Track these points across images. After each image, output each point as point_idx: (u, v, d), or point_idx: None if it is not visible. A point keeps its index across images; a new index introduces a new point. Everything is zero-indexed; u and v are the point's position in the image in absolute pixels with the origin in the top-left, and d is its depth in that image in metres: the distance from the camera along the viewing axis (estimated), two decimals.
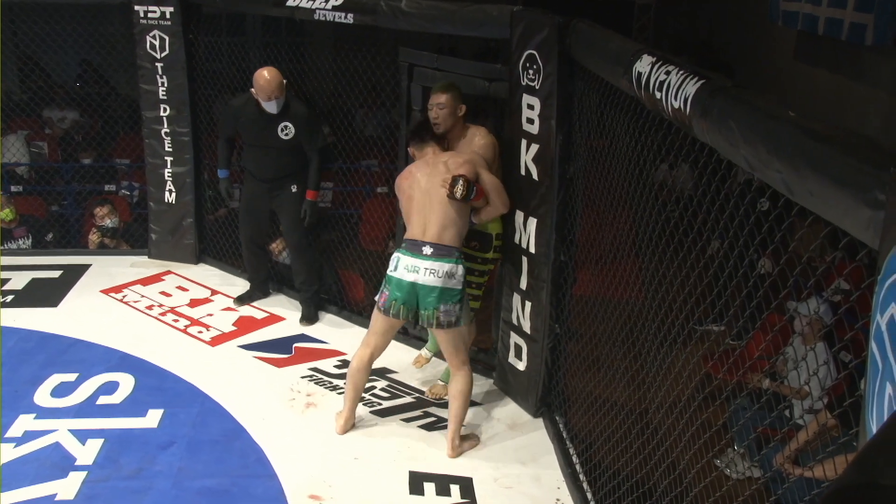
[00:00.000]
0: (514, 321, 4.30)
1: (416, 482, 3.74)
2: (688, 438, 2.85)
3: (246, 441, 4.00)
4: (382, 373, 4.62)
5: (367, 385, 4.25)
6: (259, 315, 5.38)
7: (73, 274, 5.87)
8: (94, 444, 3.90)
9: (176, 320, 5.25)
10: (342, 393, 4.41)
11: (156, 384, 4.48)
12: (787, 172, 1.84)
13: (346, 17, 4.74)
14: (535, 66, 3.86)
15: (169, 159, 5.92)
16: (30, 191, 7.01)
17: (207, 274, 5.98)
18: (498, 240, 4.22)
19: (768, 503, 2.71)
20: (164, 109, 5.81)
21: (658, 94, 2.62)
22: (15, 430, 3.99)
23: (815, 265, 2.23)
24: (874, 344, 1.47)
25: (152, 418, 4.14)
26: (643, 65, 2.79)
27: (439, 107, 4.10)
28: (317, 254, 5.43)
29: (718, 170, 2.44)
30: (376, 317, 3.94)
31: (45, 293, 5.56)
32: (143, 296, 5.58)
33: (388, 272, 3.85)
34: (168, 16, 5.63)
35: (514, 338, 4.33)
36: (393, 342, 4.77)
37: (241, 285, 5.68)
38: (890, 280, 1.43)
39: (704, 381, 3.26)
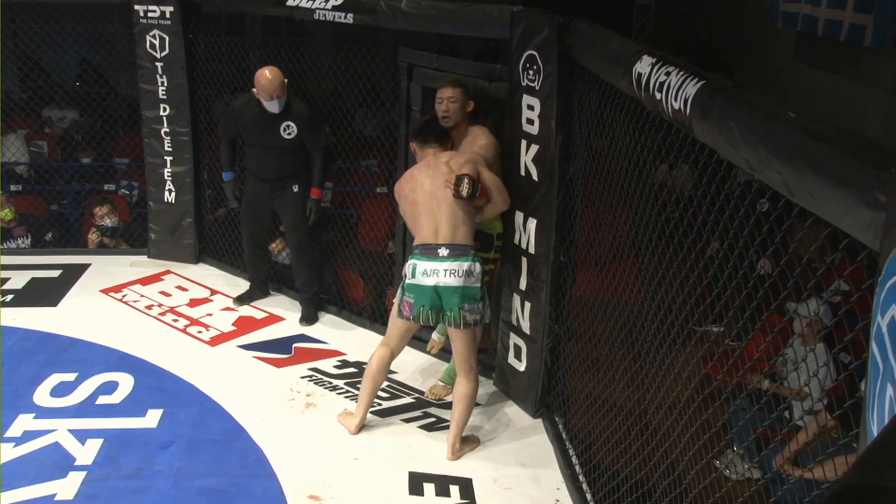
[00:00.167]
0: (514, 322, 4.30)
1: (416, 483, 3.74)
2: (687, 439, 2.85)
3: (245, 441, 4.00)
4: None
5: (381, 386, 4.24)
6: (259, 315, 5.38)
7: (72, 273, 5.87)
8: (94, 444, 3.90)
9: (175, 320, 5.25)
10: (342, 393, 4.41)
11: (155, 384, 4.48)
12: (788, 173, 1.84)
13: (345, 17, 4.74)
14: (535, 67, 3.86)
15: (168, 159, 5.92)
16: (29, 190, 7.01)
17: (207, 274, 5.98)
18: (499, 240, 4.22)
19: None
20: (164, 109, 5.81)
21: (658, 95, 2.62)
22: (14, 429, 3.99)
23: (815, 266, 2.23)
24: (875, 345, 1.47)
25: (152, 418, 4.14)
26: (643, 65, 2.79)
27: (450, 100, 4.11)
28: (317, 254, 5.42)
29: (718, 170, 2.44)
30: (397, 323, 3.94)
31: (45, 293, 5.56)
32: (142, 295, 5.58)
33: (405, 281, 3.81)
34: (168, 15, 5.63)
35: (514, 338, 4.33)
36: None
37: (241, 285, 5.68)
38: (891, 281, 1.43)
39: (704, 381, 3.26)
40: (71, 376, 4.49)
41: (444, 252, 3.74)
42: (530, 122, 3.94)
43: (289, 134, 4.90)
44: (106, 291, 5.63)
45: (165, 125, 5.85)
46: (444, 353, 4.49)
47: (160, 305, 5.44)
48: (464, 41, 6.57)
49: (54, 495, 3.53)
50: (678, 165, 3.26)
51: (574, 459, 3.88)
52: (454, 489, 3.72)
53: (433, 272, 3.73)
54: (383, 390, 4.48)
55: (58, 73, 7.64)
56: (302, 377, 4.62)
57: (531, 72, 3.88)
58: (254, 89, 4.83)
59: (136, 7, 5.65)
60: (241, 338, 5.06)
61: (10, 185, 6.78)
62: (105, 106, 6.78)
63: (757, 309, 2.46)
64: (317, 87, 5.63)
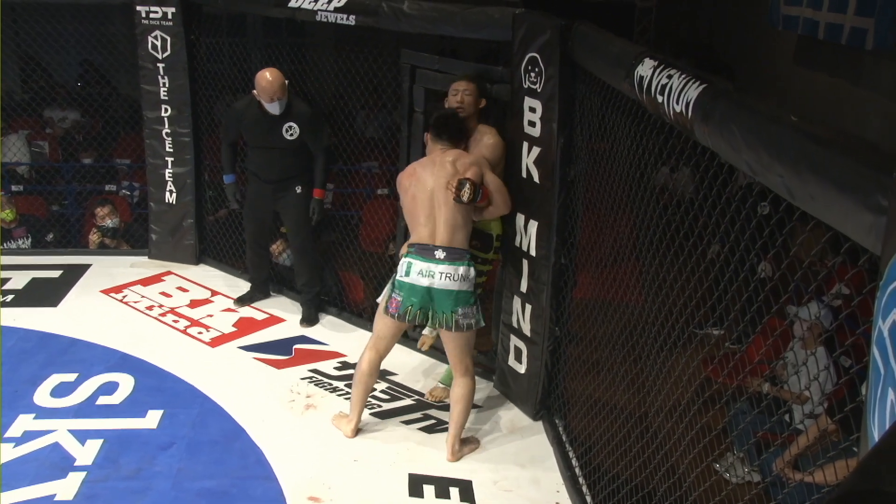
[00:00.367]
0: (514, 324, 4.30)
1: (416, 484, 3.74)
2: (687, 442, 2.85)
3: (245, 442, 4.00)
4: (382, 375, 4.60)
5: (372, 388, 4.24)
6: (259, 316, 5.38)
7: (73, 274, 5.87)
8: (94, 445, 3.89)
9: (176, 321, 5.25)
10: (342, 394, 4.41)
11: (155, 385, 4.48)
12: (789, 176, 1.84)
13: (347, 19, 4.75)
14: (536, 69, 3.86)
15: (170, 160, 5.92)
16: (30, 190, 7.01)
17: (207, 275, 5.98)
18: (498, 240, 4.22)
19: None
20: (166, 110, 5.81)
21: (660, 98, 2.62)
22: (14, 429, 3.99)
23: (816, 270, 2.23)
24: (876, 349, 1.47)
25: (152, 419, 4.14)
26: (645, 68, 2.80)
27: (465, 92, 4.13)
28: (318, 256, 5.43)
29: (719, 174, 2.45)
30: (384, 321, 3.91)
31: (45, 293, 5.56)
32: (143, 296, 5.58)
33: (398, 277, 3.81)
34: (170, 16, 5.63)
35: (514, 340, 4.33)
36: (397, 345, 4.79)
37: (242, 286, 5.68)
38: (892, 286, 1.43)
39: (704, 384, 3.25)
40: (71, 377, 4.49)
41: (440, 255, 3.74)
42: (532, 124, 3.94)
43: (291, 135, 4.91)
44: (106, 292, 5.63)
45: (167, 126, 5.85)
46: (443, 354, 4.48)
47: (161, 306, 5.44)
48: (465, 43, 6.58)
49: (54, 496, 3.53)
50: (679, 168, 3.27)
51: (574, 462, 3.88)
52: (454, 491, 3.72)
53: (429, 273, 3.72)
54: (383, 392, 4.48)
55: (59, 74, 7.64)
56: (302, 378, 4.62)
57: (533, 74, 3.88)
58: (255, 91, 4.84)
59: (138, 8, 5.65)
60: (242, 339, 5.06)
61: (12, 185, 6.78)
62: (106, 107, 6.80)
63: (758, 312, 2.46)
64: (318, 88, 5.64)
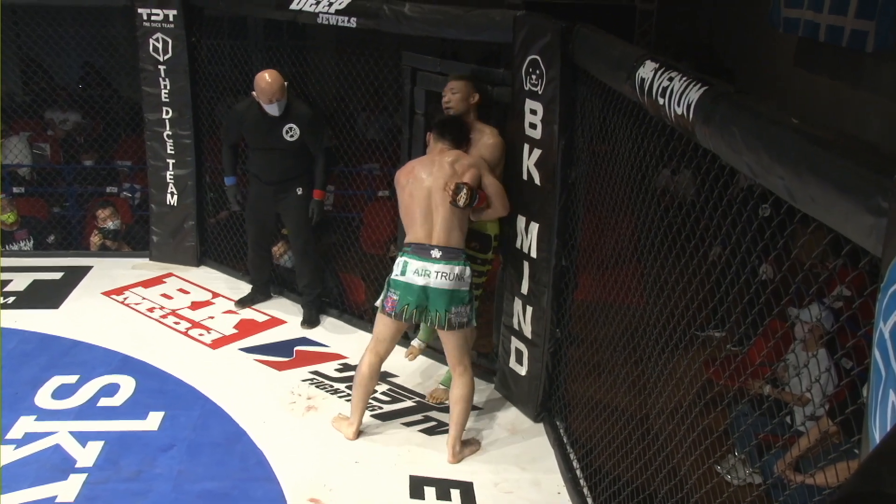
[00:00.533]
0: (515, 326, 4.30)
1: (417, 486, 3.74)
2: (689, 444, 2.85)
3: (246, 444, 4.00)
4: (383, 377, 4.60)
5: (372, 391, 4.24)
6: (260, 318, 5.38)
7: (74, 276, 5.87)
8: (95, 447, 3.89)
9: (177, 323, 5.25)
10: (343, 396, 4.41)
11: (156, 386, 4.48)
12: (790, 179, 1.84)
13: (349, 22, 4.75)
14: (537, 71, 3.86)
15: (171, 162, 5.92)
16: (31, 192, 7.01)
17: (209, 276, 5.98)
18: (496, 241, 4.22)
19: None
20: (167, 112, 5.82)
21: (661, 100, 2.62)
22: (15, 431, 3.99)
23: (817, 272, 2.23)
24: (877, 352, 1.47)
25: (153, 421, 4.14)
26: (646, 71, 2.80)
27: (451, 91, 4.14)
28: (319, 257, 5.43)
29: (720, 176, 2.45)
30: (383, 322, 3.92)
31: (47, 295, 5.57)
32: (144, 298, 5.58)
33: (393, 276, 3.82)
34: (171, 19, 5.64)
35: (515, 342, 4.33)
36: (396, 348, 4.79)
37: (243, 288, 5.68)
38: (893, 288, 1.43)
39: (705, 387, 3.25)
40: (72, 378, 4.49)
41: (436, 254, 3.75)
42: (533, 126, 3.94)
43: (291, 136, 4.91)
44: (108, 294, 5.63)
45: (168, 128, 5.86)
46: (443, 355, 4.48)
47: (162, 308, 5.44)
48: (467, 45, 6.58)
49: (55, 497, 3.53)
50: (680, 170, 3.27)
51: (575, 464, 3.88)
52: (455, 493, 3.72)
53: (424, 272, 3.74)
54: (384, 394, 4.48)
55: (60, 76, 7.64)
56: (303, 380, 4.62)
57: (534, 76, 3.89)
58: (254, 92, 4.84)
59: (140, 10, 5.66)
60: (243, 341, 5.06)
61: (13, 187, 6.79)
62: (108, 109, 6.79)
63: (759, 314, 2.46)
64: (319, 90, 5.64)
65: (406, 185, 3.89)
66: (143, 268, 6.06)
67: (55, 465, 3.75)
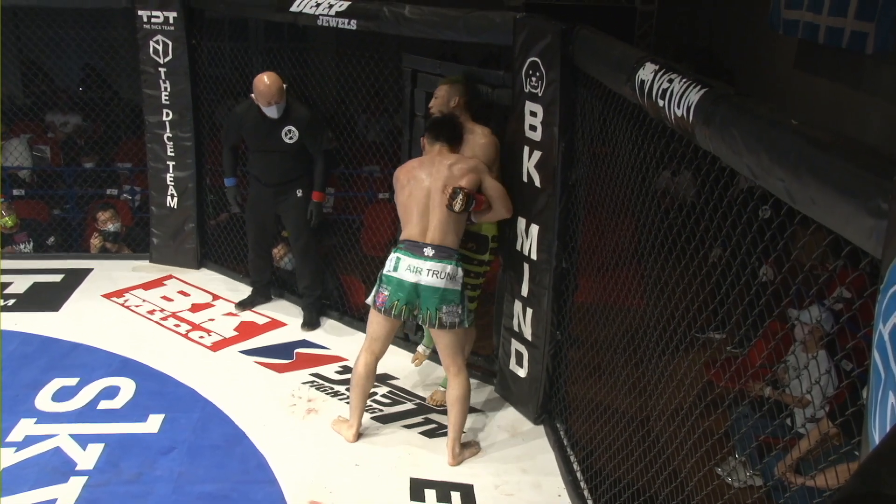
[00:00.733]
0: (516, 328, 4.30)
1: (417, 489, 3.74)
2: (689, 446, 2.84)
3: (246, 446, 4.00)
4: (384, 379, 4.62)
5: (370, 391, 4.25)
6: (260, 320, 5.38)
7: (74, 278, 5.87)
8: (95, 449, 3.89)
9: (177, 325, 5.25)
10: (343, 398, 4.41)
11: (157, 389, 4.48)
12: (790, 180, 1.84)
13: (349, 24, 4.75)
14: (537, 73, 3.86)
15: (171, 164, 5.93)
16: (32, 195, 7.01)
17: (209, 279, 5.98)
18: (494, 242, 4.22)
19: None
20: (167, 114, 5.82)
21: (661, 102, 2.62)
22: (15, 434, 3.98)
23: (817, 273, 2.23)
24: (877, 353, 1.47)
25: (153, 423, 4.14)
26: (646, 72, 2.80)
27: (434, 97, 4.24)
28: (320, 259, 5.43)
29: (721, 177, 2.45)
30: (376, 320, 3.92)
31: (47, 297, 5.57)
32: (144, 300, 5.59)
33: (385, 272, 3.84)
34: (171, 21, 5.64)
35: (515, 344, 4.33)
36: (394, 348, 4.79)
37: (243, 290, 5.69)
38: (892, 289, 1.43)
39: (706, 389, 3.26)
40: (72, 381, 4.49)
41: (429, 252, 3.76)
42: (533, 128, 3.95)
43: (290, 138, 4.91)
44: (108, 296, 5.63)
45: (168, 130, 5.86)
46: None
47: (162, 310, 5.45)
48: (467, 47, 6.59)
49: (55, 500, 3.53)
50: (680, 172, 3.27)
51: (575, 466, 3.88)
52: (455, 495, 3.72)
53: (416, 269, 3.75)
54: (384, 396, 4.48)
55: (61, 78, 7.65)
56: (303, 383, 4.62)
57: (534, 78, 3.89)
58: (253, 94, 4.85)
59: (140, 13, 5.67)
60: (243, 343, 5.06)
61: (13, 189, 6.79)
62: (108, 111, 6.80)
63: (759, 316, 2.46)
64: (320, 92, 5.64)
65: (406, 185, 3.90)
66: (143, 270, 6.06)
67: (55, 467, 3.75)
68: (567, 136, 3.85)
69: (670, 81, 2.59)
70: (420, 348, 4.59)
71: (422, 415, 4.35)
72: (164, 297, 5.65)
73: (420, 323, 3.90)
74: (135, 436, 4.03)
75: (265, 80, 4.77)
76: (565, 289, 4.06)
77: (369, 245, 6.02)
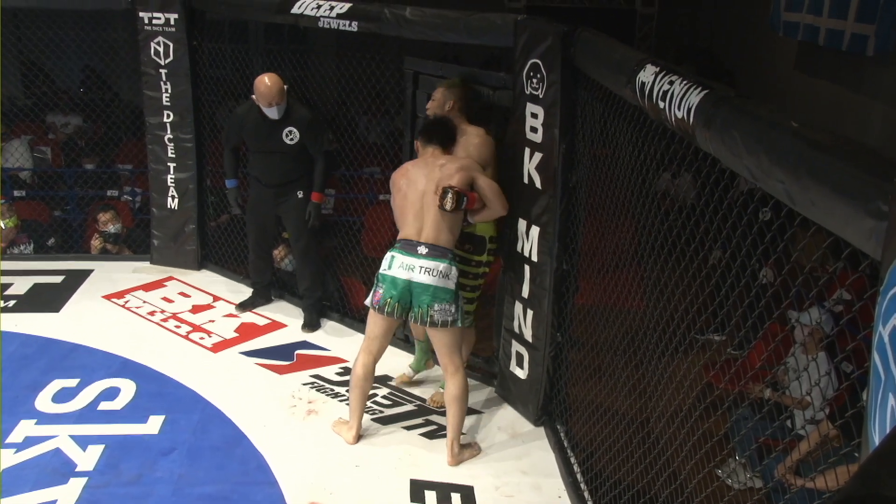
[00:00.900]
0: (516, 329, 4.30)
1: (418, 490, 3.74)
2: (689, 448, 2.84)
3: (247, 448, 4.00)
4: (384, 380, 4.62)
5: (369, 393, 4.25)
6: (261, 322, 5.38)
7: (75, 279, 5.87)
8: (95, 450, 3.89)
9: (178, 326, 5.25)
10: (343, 400, 4.40)
11: (157, 390, 4.48)
12: (790, 182, 1.84)
13: (350, 25, 4.76)
14: (538, 75, 3.87)
15: (172, 165, 5.93)
16: (32, 196, 7.01)
17: (209, 280, 5.98)
18: (492, 243, 4.23)
19: None
20: (168, 115, 5.83)
21: (661, 104, 2.62)
22: (15, 435, 3.98)
23: (817, 275, 2.23)
24: (877, 355, 1.48)
25: (153, 424, 4.14)
26: (647, 74, 2.80)
27: (431, 99, 4.27)
28: (320, 261, 5.43)
29: (721, 179, 2.45)
30: (373, 319, 3.96)
31: (47, 298, 5.57)
32: (145, 301, 5.59)
33: (380, 271, 3.88)
34: (172, 22, 5.65)
35: (516, 346, 4.33)
36: (395, 350, 4.80)
37: (244, 292, 5.69)
38: (892, 291, 1.43)
39: (706, 390, 3.25)
40: (72, 382, 4.49)
41: (423, 250, 3.80)
42: (534, 130, 3.95)
43: (291, 139, 4.92)
44: (108, 297, 5.63)
45: (169, 132, 5.86)
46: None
47: (162, 311, 5.45)
48: (468, 49, 6.60)
49: (55, 501, 3.53)
50: (681, 174, 3.27)
51: (576, 467, 3.88)
52: (455, 497, 3.72)
53: (409, 267, 3.78)
54: (384, 397, 4.48)
55: (62, 80, 7.65)
56: (304, 384, 4.62)
57: (535, 80, 3.89)
58: (254, 96, 4.85)
59: (141, 14, 5.67)
60: (243, 344, 5.07)
61: (14, 190, 6.79)
62: (109, 112, 6.80)
63: (759, 318, 2.47)
64: (321, 94, 5.65)
65: (401, 187, 3.95)
66: (143, 271, 6.07)
67: (55, 468, 3.75)
68: (568, 138, 3.86)
69: (671, 83, 2.60)
70: (406, 370, 4.61)
71: (422, 416, 4.35)
72: (165, 299, 5.65)
73: (413, 321, 3.91)
74: (135, 437, 4.03)
75: (266, 82, 4.78)
76: (566, 290, 4.06)
77: (370, 247, 6.02)
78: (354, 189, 6.52)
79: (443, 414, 4.28)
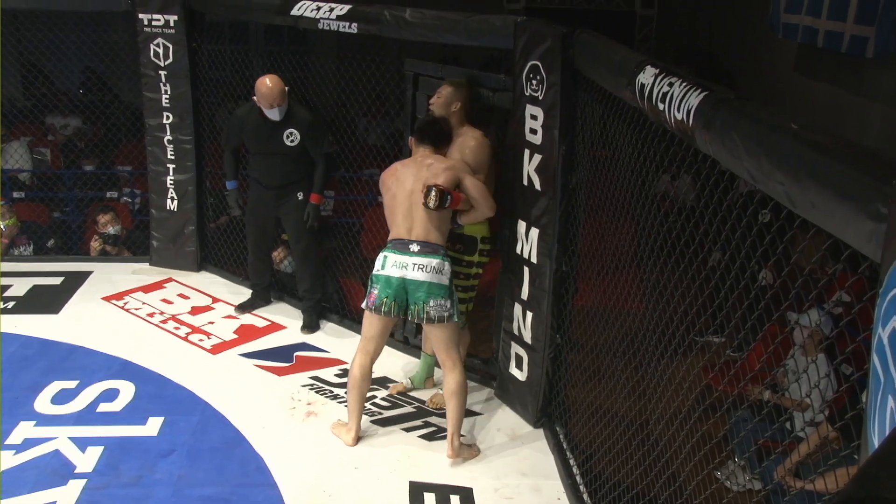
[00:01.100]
0: (515, 331, 4.30)
1: (417, 492, 3.73)
2: (688, 450, 2.84)
3: (246, 449, 4.00)
4: (383, 382, 4.62)
5: (368, 394, 4.25)
6: (260, 323, 5.38)
7: (74, 281, 5.87)
8: (94, 452, 3.89)
9: (177, 328, 5.25)
10: (343, 402, 4.40)
11: (156, 392, 4.47)
12: (790, 184, 1.84)
13: (350, 27, 4.76)
14: (538, 77, 3.87)
15: (171, 167, 5.93)
16: (32, 197, 7.01)
17: (209, 282, 5.98)
18: (484, 244, 4.23)
19: None
20: (167, 117, 5.83)
21: (661, 106, 2.62)
22: (15, 437, 3.98)
23: (817, 277, 2.23)
24: (876, 357, 1.47)
25: (152, 426, 4.14)
26: (646, 76, 2.80)
27: (437, 95, 4.26)
28: (320, 262, 5.43)
29: (720, 181, 2.45)
30: (369, 320, 3.98)
31: (47, 300, 5.57)
32: (144, 303, 5.58)
33: (374, 272, 3.91)
34: (172, 24, 5.65)
35: (515, 348, 4.33)
36: (394, 351, 4.80)
37: (243, 293, 5.69)
38: (892, 293, 1.43)
39: (705, 392, 3.25)
40: (72, 384, 4.49)
41: (415, 248, 3.83)
42: (533, 131, 3.95)
43: (291, 141, 4.92)
44: (108, 299, 5.63)
45: (168, 133, 5.87)
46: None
47: (162, 313, 5.44)
48: (467, 51, 6.59)
49: (54, 503, 3.52)
50: (680, 176, 3.27)
51: (575, 469, 3.87)
52: (455, 498, 3.71)
53: (402, 265, 3.82)
54: (383, 399, 4.48)
55: (61, 81, 7.65)
56: (303, 386, 4.62)
57: (534, 82, 3.89)
58: (255, 97, 4.85)
59: (140, 16, 5.67)
60: (243, 346, 5.06)
61: (13, 191, 6.79)
62: (108, 114, 6.80)
63: (758, 320, 2.47)
64: (320, 96, 5.65)
65: (391, 187, 3.99)
66: (143, 273, 6.06)
67: (55, 470, 3.75)
68: (567, 140, 3.86)
69: (670, 85, 2.60)
70: (406, 381, 4.61)
71: (421, 418, 4.34)
72: (164, 300, 5.65)
73: (410, 318, 3.92)
74: (134, 439, 4.03)
75: (268, 83, 4.78)
76: (565, 292, 4.06)
77: (369, 248, 6.01)
78: (354, 191, 6.51)
79: (442, 416, 4.28)
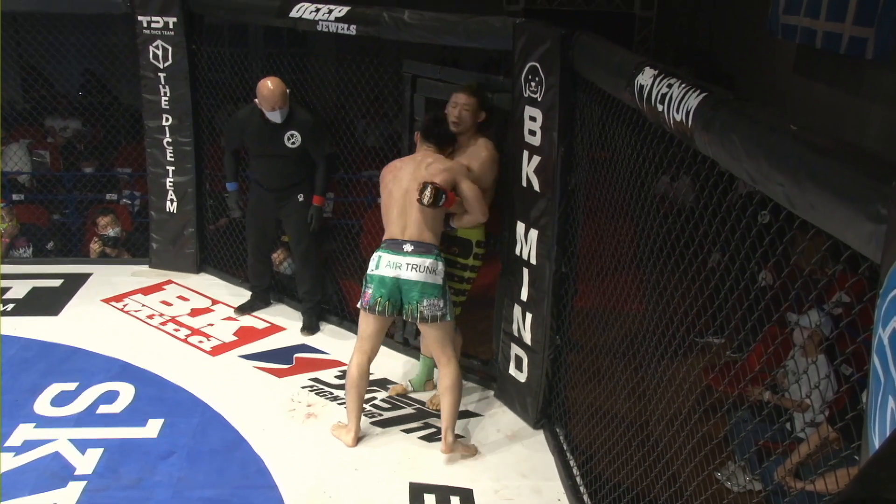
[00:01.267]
0: (515, 332, 4.30)
1: (417, 493, 3.73)
2: (688, 451, 2.84)
3: (246, 451, 3.99)
4: (383, 384, 4.62)
5: (368, 396, 4.25)
6: (260, 325, 5.38)
7: (73, 283, 5.87)
8: (94, 454, 3.89)
9: (177, 330, 5.25)
10: (343, 403, 4.40)
11: (156, 394, 4.47)
12: (789, 185, 1.84)
13: (348, 29, 4.76)
14: (537, 78, 3.87)
15: (171, 169, 5.93)
16: (31, 199, 7.01)
17: (208, 283, 5.98)
18: (479, 247, 4.23)
19: None
20: (167, 119, 5.83)
21: (660, 107, 2.62)
22: (14, 439, 3.98)
23: (817, 278, 2.23)
24: (876, 358, 1.48)
25: (152, 428, 4.14)
26: (645, 77, 2.80)
27: (464, 107, 4.11)
28: (320, 264, 5.43)
29: (720, 182, 2.45)
30: (364, 319, 3.99)
31: (46, 302, 5.57)
32: (143, 305, 5.58)
33: (368, 272, 3.93)
34: (171, 26, 5.65)
35: (515, 349, 4.33)
36: (393, 352, 4.81)
37: (242, 295, 5.68)
38: (892, 294, 1.43)
39: (705, 393, 3.25)
40: (71, 386, 4.49)
41: (408, 248, 3.85)
42: (532, 133, 3.95)
43: (292, 143, 4.92)
44: (107, 301, 5.63)
45: (168, 135, 5.87)
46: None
47: (161, 315, 5.44)
48: (466, 52, 6.61)
49: None
50: (679, 177, 3.27)
51: (575, 471, 3.87)
52: (455, 500, 3.71)
53: (396, 265, 3.83)
54: (383, 400, 4.48)
55: (61, 83, 7.65)
56: (303, 387, 4.62)
57: (533, 83, 3.89)
58: (256, 99, 4.85)
59: (140, 18, 5.68)
60: (242, 347, 5.06)
61: (13, 194, 6.79)
62: (108, 116, 6.80)
63: (758, 321, 2.47)
64: (319, 97, 5.65)
65: (388, 184, 4.00)
66: (142, 275, 6.06)
67: (54, 472, 3.75)
68: (566, 141, 3.86)
69: (669, 86, 2.60)
70: (406, 383, 4.61)
71: (421, 419, 4.34)
72: (164, 302, 5.65)
73: (404, 318, 3.94)
74: (134, 441, 4.03)
75: (269, 85, 4.79)
76: (565, 293, 4.06)
77: (369, 250, 5.98)
78: (353, 192, 6.51)
79: None
